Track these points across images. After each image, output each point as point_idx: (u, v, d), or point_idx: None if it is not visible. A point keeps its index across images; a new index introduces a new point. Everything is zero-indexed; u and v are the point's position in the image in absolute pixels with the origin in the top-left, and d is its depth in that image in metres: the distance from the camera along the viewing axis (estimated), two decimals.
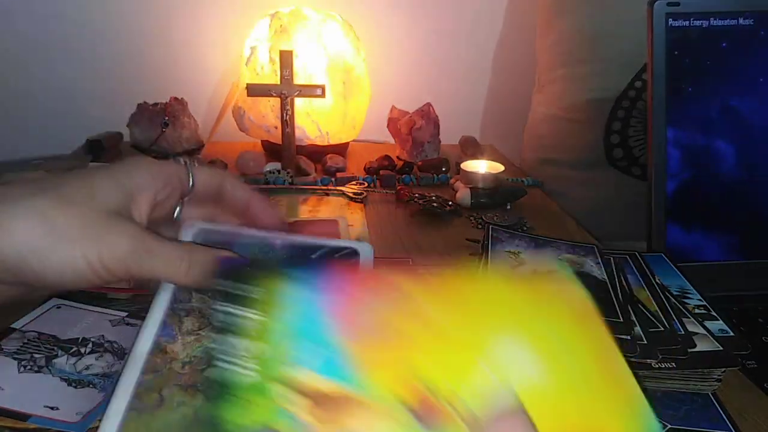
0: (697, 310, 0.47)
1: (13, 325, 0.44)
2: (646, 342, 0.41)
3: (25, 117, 1.11)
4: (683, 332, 0.42)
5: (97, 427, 0.29)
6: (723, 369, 0.40)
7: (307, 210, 0.75)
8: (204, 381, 0.31)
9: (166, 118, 0.96)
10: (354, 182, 0.83)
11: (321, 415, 0.26)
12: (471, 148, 1.02)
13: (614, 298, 0.46)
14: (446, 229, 0.70)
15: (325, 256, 0.40)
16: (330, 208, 0.76)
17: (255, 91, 0.86)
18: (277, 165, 0.87)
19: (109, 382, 0.40)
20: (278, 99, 0.86)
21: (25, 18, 1.05)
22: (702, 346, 0.41)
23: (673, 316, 0.44)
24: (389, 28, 1.12)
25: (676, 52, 0.61)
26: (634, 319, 0.43)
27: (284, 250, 0.41)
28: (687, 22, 0.61)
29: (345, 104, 0.92)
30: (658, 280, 0.51)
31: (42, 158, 0.78)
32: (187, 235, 0.39)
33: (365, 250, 0.41)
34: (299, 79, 0.87)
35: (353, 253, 0.41)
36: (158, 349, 0.33)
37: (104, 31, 1.07)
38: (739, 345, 0.42)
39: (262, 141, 1.01)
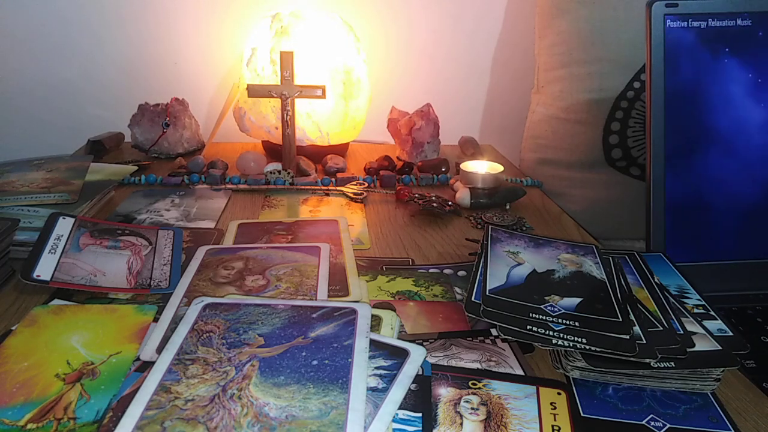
0: (696, 310, 0.47)
1: None
2: (645, 342, 0.41)
3: (26, 117, 1.11)
4: (682, 332, 0.43)
5: None
6: (722, 368, 0.40)
7: (307, 210, 0.75)
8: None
9: (167, 118, 0.96)
10: (354, 182, 0.83)
11: None
12: (471, 148, 1.02)
13: (613, 298, 0.46)
14: (446, 229, 0.70)
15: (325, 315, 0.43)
16: (330, 208, 0.76)
17: (256, 91, 0.86)
18: (278, 165, 0.88)
19: None
20: (279, 100, 0.86)
21: (25, 19, 1.05)
22: (701, 345, 0.41)
23: (672, 316, 0.45)
24: (389, 28, 1.12)
25: (674, 53, 0.61)
26: (633, 318, 0.44)
27: (286, 312, 0.44)
28: (685, 23, 0.61)
29: (345, 105, 0.92)
30: (657, 280, 0.51)
31: (43, 158, 0.78)
32: (195, 309, 0.43)
33: (363, 310, 0.44)
34: (300, 79, 0.87)
35: (351, 312, 0.44)
36: (163, 389, 0.35)
37: (105, 32, 1.07)
38: (738, 344, 0.42)
39: (262, 141, 1.01)
